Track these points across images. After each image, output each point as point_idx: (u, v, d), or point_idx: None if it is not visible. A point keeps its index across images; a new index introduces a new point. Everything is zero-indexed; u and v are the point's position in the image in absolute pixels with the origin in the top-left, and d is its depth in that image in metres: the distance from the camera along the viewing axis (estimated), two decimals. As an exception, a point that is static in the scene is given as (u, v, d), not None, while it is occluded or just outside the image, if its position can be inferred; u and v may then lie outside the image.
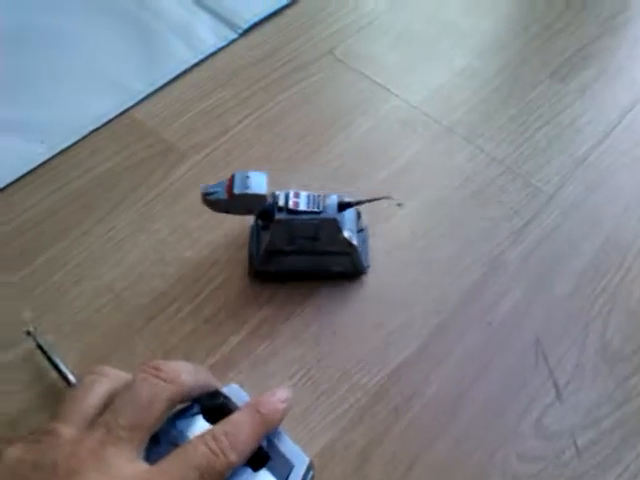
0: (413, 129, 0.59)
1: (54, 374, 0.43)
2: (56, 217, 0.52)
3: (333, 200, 0.47)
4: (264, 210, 0.47)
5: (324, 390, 0.44)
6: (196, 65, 0.62)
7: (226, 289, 0.49)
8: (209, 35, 0.64)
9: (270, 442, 0.38)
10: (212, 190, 0.46)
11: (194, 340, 0.47)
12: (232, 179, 0.46)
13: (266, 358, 0.46)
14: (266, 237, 0.48)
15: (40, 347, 0.45)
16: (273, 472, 0.38)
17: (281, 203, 0.46)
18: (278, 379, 0.45)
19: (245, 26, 0.65)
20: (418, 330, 0.47)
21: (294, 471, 0.38)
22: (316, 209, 0.47)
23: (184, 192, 0.54)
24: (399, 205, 0.53)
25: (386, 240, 0.52)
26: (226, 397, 0.39)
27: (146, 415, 0.33)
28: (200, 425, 0.37)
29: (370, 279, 0.50)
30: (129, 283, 0.49)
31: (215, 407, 0.38)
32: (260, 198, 0.46)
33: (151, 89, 0.60)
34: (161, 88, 0.60)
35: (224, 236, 0.52)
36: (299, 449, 0.39)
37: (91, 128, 0.57)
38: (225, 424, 0.35)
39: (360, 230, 0.51)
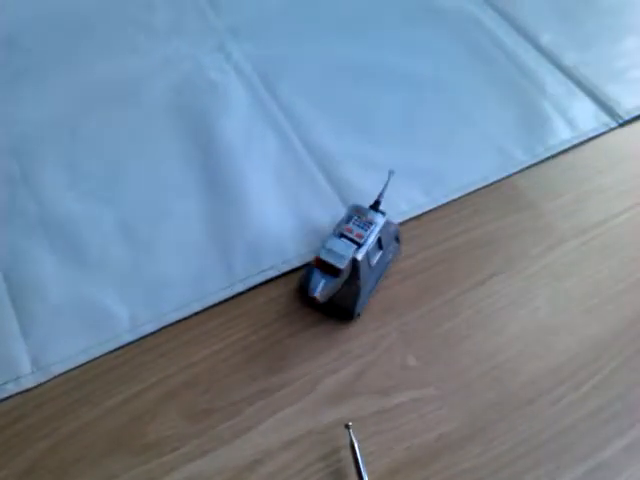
0: None
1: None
2: (437, 269, 0.53)
3: (367, 209, 0.50)
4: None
5: None
6: (576, 145, 0.62)
7: (606, 387, 0.47)
8: (589, 119, 0.63)
9: None
10: (314, 285, 0.45)
11: (575, 435, 0.45)
12: (320, 263, 0.46)
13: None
14: (355, 279, 0.48)
15: (352, 446, 0.43)
16: None
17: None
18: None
19: (626, 117, 0.64)
20: None
21: None
22: (371, 226, 0.48)
23: (564, 274, 0.53)
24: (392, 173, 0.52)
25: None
26: None
27: None
28: None
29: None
30: (509, 357, 0.49)
31: None
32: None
33: (533, 161, 0.60)
34: (541, 162, 0.60)
35: (607, 329, 0.50)
36: None
37: (473, 188, 0.58)
38: None
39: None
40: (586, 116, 0.64)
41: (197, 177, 0.58)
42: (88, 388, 0.47)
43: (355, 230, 0.48)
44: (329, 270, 0.46)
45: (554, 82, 0.67)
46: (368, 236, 0.48)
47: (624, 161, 0.61)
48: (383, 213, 0.50)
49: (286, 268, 0.52)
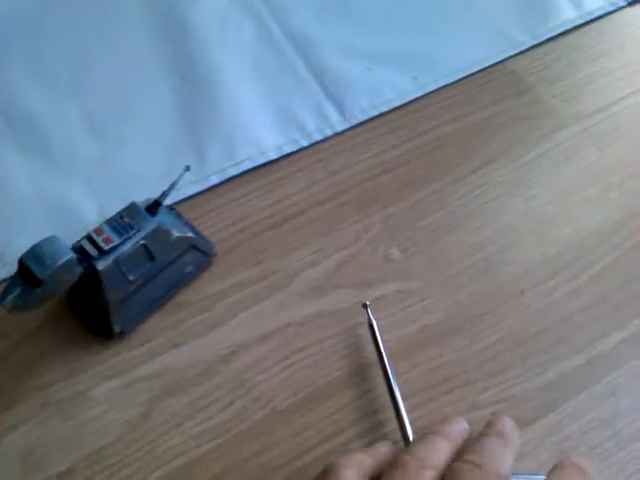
0: None
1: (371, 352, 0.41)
2: (426, 158, 0.49)
3: (139, 210, 0.40)
4: (82, 270, 0.38)
5: None
6: (580, 26, 0.57)
7: (605, 277, 0.44)
8: (597, -4, 0.59)
9: None
10: (5, 292, 0.36)
11: (571, 327, 0.43)
12: (21, 267, 0.37)
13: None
14: (99, 292, 0.40)
15: (371, 326, 0.41)
16: None
17: (91, 251, 0.38)
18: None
19: (639, -6, 0.59)
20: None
21: None
22: (131, 231, 0.39)
23: (563, 162, 0.49)
24: (187, 169, 0.42)
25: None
26: None
27: None
28: None
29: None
30: (499, 248, 0.46)
31: None
32: (71, 263, 0.37)
33: (533, 42, 0.55)
34: (543, 43, 0.55)
35: (608, 219, 0.46)
36: None
37: (467, 73, 0.53)
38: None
39: (181, 218, 0.44)
40: (595, -6, 0.59)
41: (168, 69, 0.54)
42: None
43: (106, 233, 0.39)
44: (29, 278, 0.36)
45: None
46: (121, 243, 0.39)
47: (630, 43, 0.56)
48: (176, 215, 0.44)
49: (262, 160, 0.49)
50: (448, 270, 0.45)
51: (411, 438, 0.37)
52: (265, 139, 0.50)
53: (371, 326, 0.41)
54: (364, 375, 0.41)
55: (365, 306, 0.42)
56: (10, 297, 0.36)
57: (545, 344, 0.42)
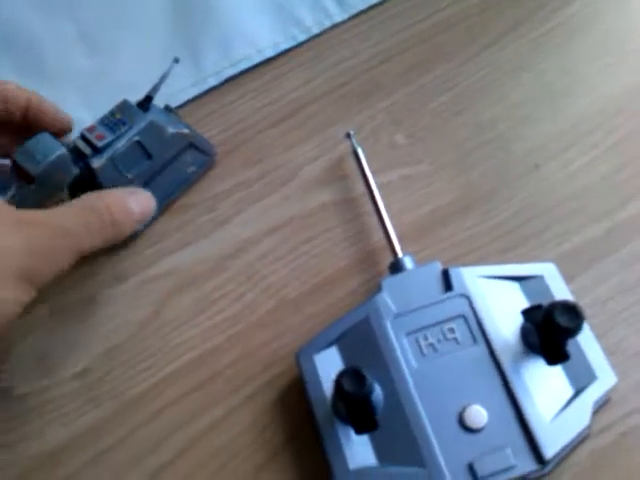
0: None
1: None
2: (429, 43, 0.47)
3: (130, 106, 0.40)
4: (79, 170, 0.38)
5: None
6: None
7: (624, 146, 0.41)
8: None
9: (576, 344, 0.33)
10: (2, 193, 0.36)
11: (589, 197, 0.40)
12: (14, 164, 0.36)
13: None
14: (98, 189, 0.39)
15: (355, 153, 0.41)
16: (568, 375, 0.32)
17: (85, 149, 0.38)
18: None
19: None
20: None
21: (595, 385, 0.32)
22: (123, 127, 0.39)
23: (574, 34, 0.47)
24: (176, 61, 0.41)
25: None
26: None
27: None
28: None
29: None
30: (512, 124, 0.43)
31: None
32: (63, 159, 0.36)
33: None
34: None
35: (627, 85, 0.43)
36: (608, 365, 0.33)
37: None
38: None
39: (177, 117, 0.43)
40: None
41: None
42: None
43: (99, 130, 0.38)
44: (23, 175, 0.36)
45: None
46: (115, 139, 0.38)
47: None
48: (172, 114, 0.42)
49: (259, 58, 0.47)
50: (458, 151, 0.43)
51: (398, 250, 0.37)
52: (261, 37, 0.48)
53: (355, 152, 0.41)
54: (371, 261, 0.40)
55: (349, 135, 0.42)
56: (7, 195, 0.36)
57: (562, 215, 0.40)
